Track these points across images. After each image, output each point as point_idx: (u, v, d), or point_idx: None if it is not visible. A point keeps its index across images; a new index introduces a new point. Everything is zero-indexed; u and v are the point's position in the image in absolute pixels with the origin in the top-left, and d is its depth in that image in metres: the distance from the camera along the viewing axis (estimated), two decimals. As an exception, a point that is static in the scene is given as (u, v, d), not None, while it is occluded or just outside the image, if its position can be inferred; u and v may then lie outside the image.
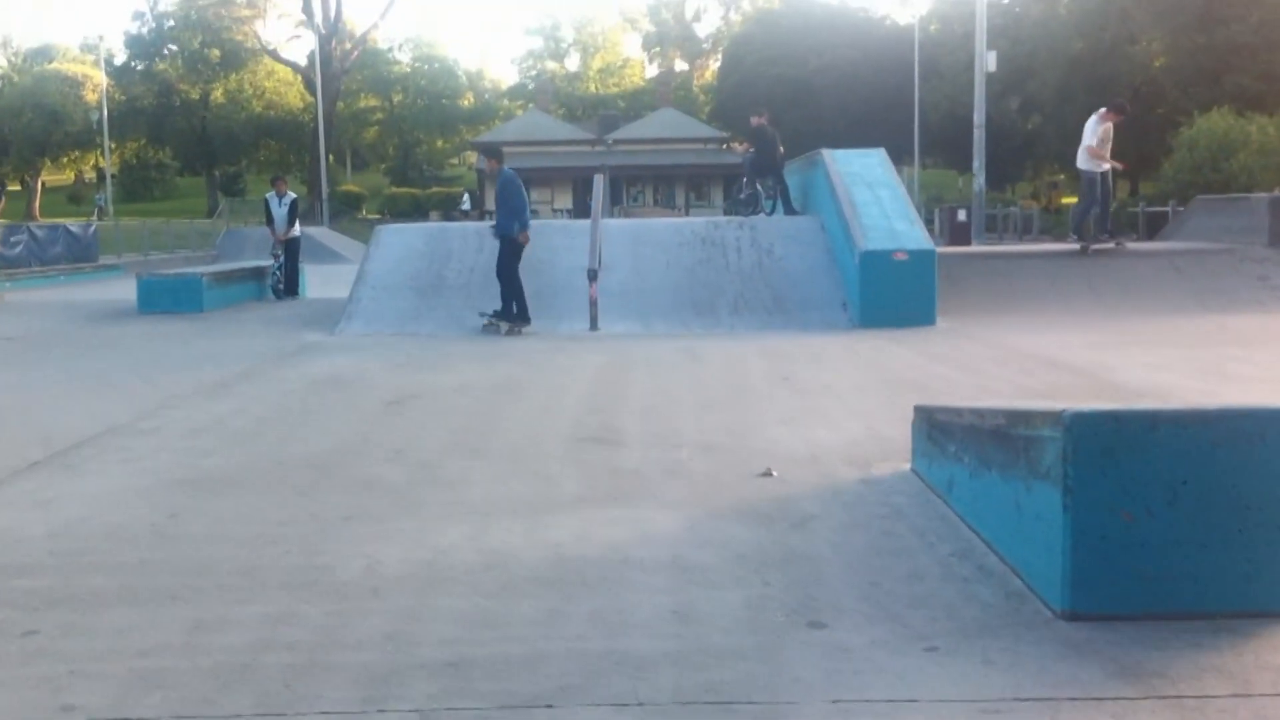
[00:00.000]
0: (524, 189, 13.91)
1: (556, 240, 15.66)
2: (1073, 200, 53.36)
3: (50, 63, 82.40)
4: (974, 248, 23.98)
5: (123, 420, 7.99)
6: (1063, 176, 55.47)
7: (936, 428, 5.31)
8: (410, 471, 6.25)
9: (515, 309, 13.57)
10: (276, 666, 3.49)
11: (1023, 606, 3.88)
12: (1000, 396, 8.29)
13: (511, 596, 4.13)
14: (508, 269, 13.52)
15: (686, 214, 55.57)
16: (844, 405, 8.20)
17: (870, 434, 7.00)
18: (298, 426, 7.83)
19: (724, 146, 70.35)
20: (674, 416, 7.95)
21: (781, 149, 17.95)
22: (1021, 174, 60.88)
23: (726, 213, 21.83)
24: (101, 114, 61.26)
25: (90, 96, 69.27)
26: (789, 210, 17.37)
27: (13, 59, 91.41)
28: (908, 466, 5.91)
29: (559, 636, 3.72)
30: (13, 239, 30.65)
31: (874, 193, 15.16)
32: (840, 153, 16.54)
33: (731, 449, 6.75)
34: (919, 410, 5.73)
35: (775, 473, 5.96)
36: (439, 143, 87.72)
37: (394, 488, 5.89)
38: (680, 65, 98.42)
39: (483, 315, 13.73)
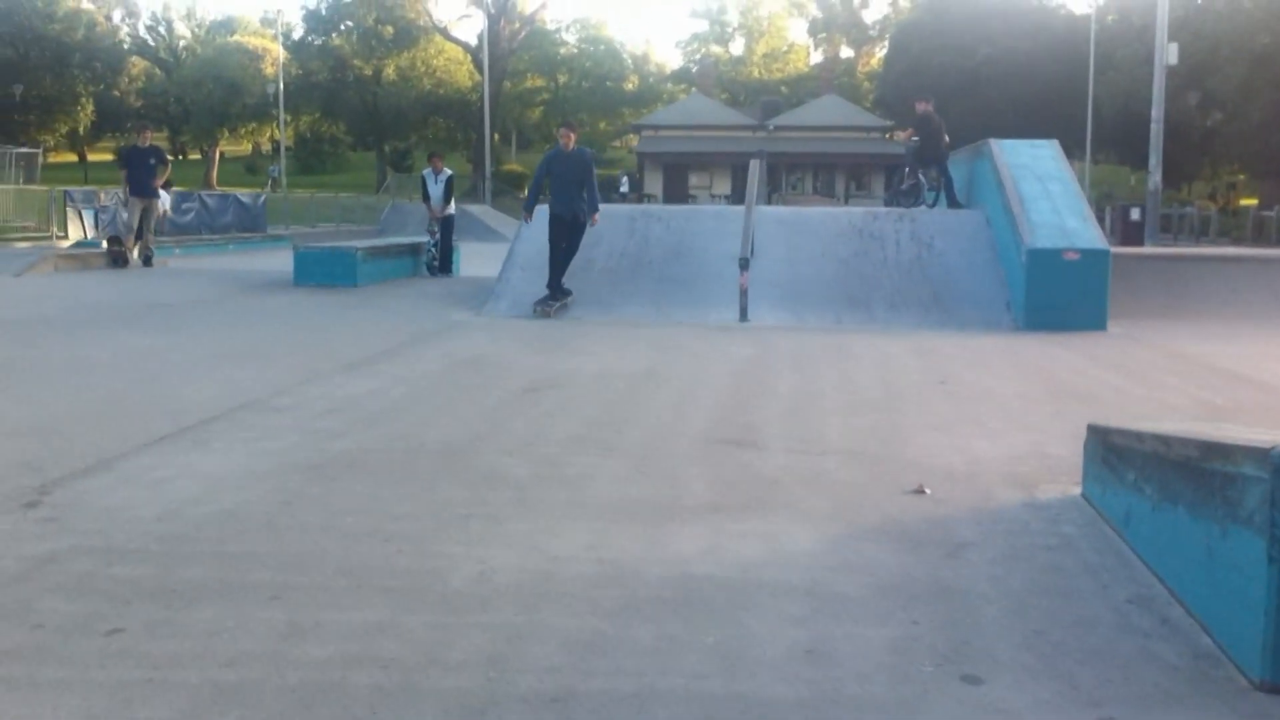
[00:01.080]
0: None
1: (709, 226, 15.29)
2: (1252, 202, 50.79)
3: (231, 35, 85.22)
4: (1148, 249, 22.84)
5: (259, 395, 7.86)
6: (1243, 177, 52.94)
7: (1112, 451, 4.77)
8: (535, 466, 5.94)
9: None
10: (366, 688, 3.18)
11: (1213, 672, 3.36)
12: (1181, 413, 7.62)
13: (628, 618, 3.76)
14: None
15: (845, 204, 54.63)
16: (1006, 415, 7.63)
17: (1034, 449, 6.44)
18: (431, 410, 7.60)
19: (887, 136, 69.05)
20: (820, 418, 7.49)
21: (947, 138, 17.22)
22: (1198, 173, 58.25)
23: (886, 203, 21.14)
24: (278, 87, 62.87)
25: (268, 70, 71.34)
26: (952, 203, 16.65)
27: (196, 30, 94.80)
28: (1077, 491, 5.37)
29: (676, 672, 3.34)
30: (184, 206, 31.52)
31: (1044, 186, 14.39)
32: (1009, 143, 15.76)
33: (880, 458, 6.27)
34: (1093, 430, 5.18)
35: (928, 490, 5.47)
36: (601, 124, 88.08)
37: (517, 483, 5.58)
38: (846, 52, 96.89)
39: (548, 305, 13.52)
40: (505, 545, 4.54)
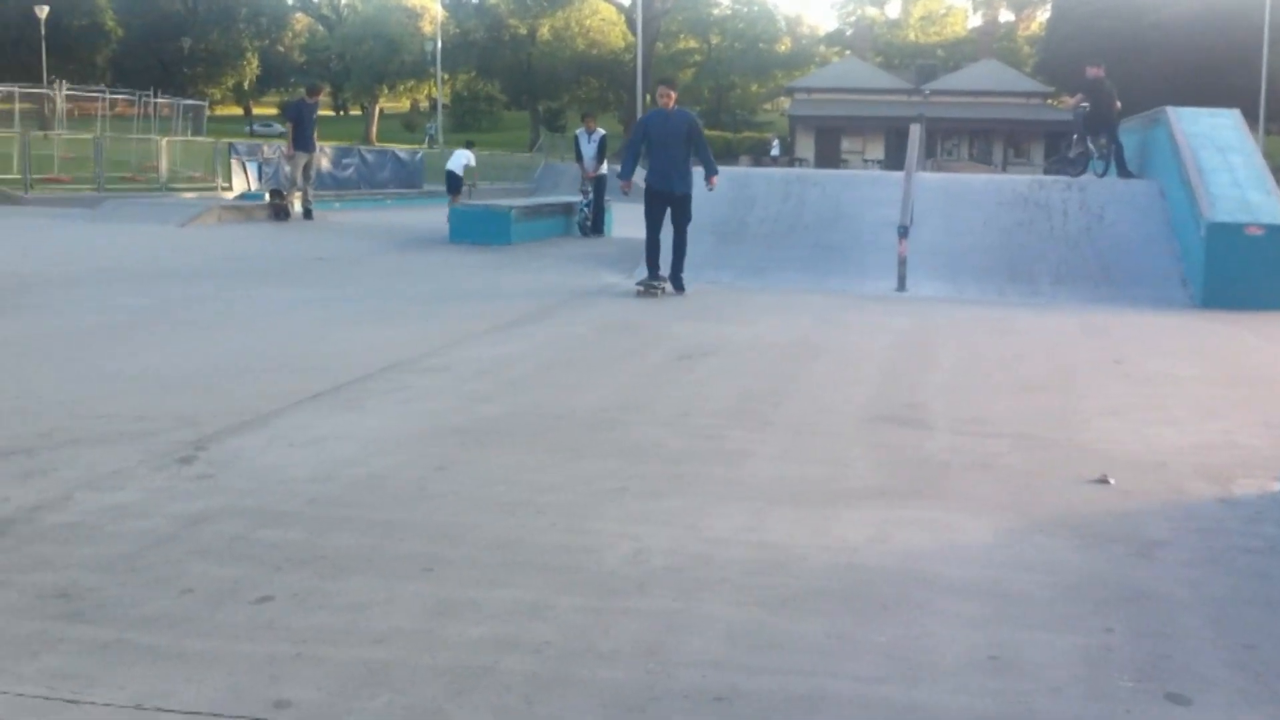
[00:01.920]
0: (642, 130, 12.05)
1: (865, 192, 14.85)
2: None
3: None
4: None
5: (411, 355, 7.81)
6: None
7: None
8: (691, 439, 5.73)
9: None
10: (519, 674, 3.02)
11: None
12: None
13: (794, 611, 3.53)
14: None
15: (1003, 171, 53.12)
16: (1189, 400, 7.16)
17: (1225, 439, 6.00)
18: (584, 375, 7.45)
19: (1048, 101, 66.89)
20: (986, 397, 7.13)
21: (1119, 104, 16.41)
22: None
23: (1048, 171, 20.33)
24: (436, 45, 63.58)
25: (426, 28, 72.33)
26: (1123, 172, 15.87)
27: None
28: (1277, 487, 4.95)
29: (848, 674, 3.10)
30: (344, 161, 32.04)
31: (1224, 158, 13.61)
32: (1187, 111, 14.94)
33: (1055, 443, 5.91)
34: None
35: (1112, 480, 5.11)
36: (753, 87, 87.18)
37: (672, 456, 5.38)
38: (1006, 16, 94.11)
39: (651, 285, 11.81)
40: (661, 523, 4.35)
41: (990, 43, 78.85)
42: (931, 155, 60.33)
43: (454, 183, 24.38)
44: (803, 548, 4.11)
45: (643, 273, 13.56)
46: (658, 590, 3.67)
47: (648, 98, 67.73)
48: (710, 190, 12.37)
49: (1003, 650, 3.29)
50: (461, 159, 25.13)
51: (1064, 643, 3.35)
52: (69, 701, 2.74)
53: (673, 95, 11.89)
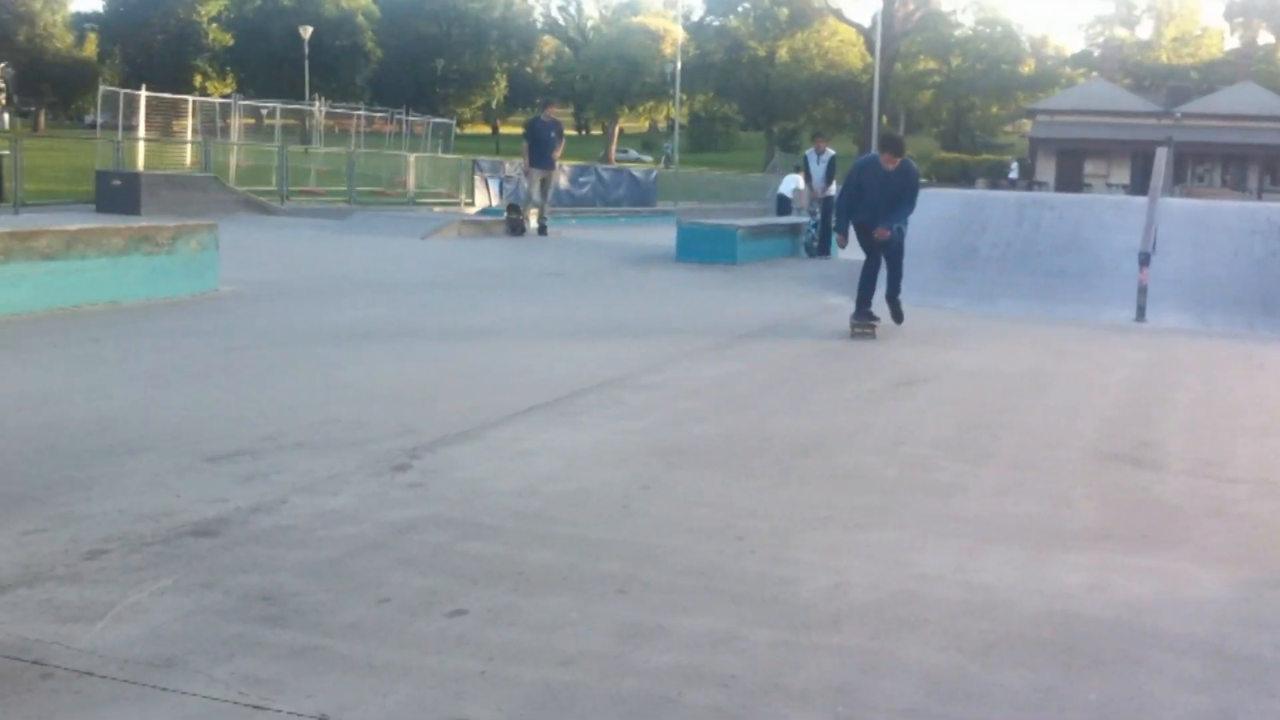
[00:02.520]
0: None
1: (1105, 217, 14.20)
2: None
3: (635, 17, 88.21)
4: None
5: (629, 371, 7.85)
6: None
7: None
8: (902, 468, 5.55)
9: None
10: (702, 709, 2.95)
11: None
12: None
13: (998, 659, 3.35)
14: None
15: (1259, 199, 50.22)
16: None
17: None
18: (797, 399, 7.33)
19: (1311, 126, 63.03)
20: (1227, 438, 6.68)
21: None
22: None
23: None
24: (676, 67, 64.38)
25: (667, 50, 73.44)
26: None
27: (603, 11, 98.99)
28: None
29: (1051, 732, 2.91)
30: (581, 179, 32.73)
31: None
32: None
33: (1302, 492, 5.49)
34: None
35: (1363, 536, 4.70)
36: (994, 109, 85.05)
37: (881, 486, 5.22)
38: (1265, 37, 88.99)
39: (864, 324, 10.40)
40: (864, 556, 4.21)
41: (1248, 65, 74.65)
42: (1181, 181, 57.57)
43: (784, 206, 24.65)
44: (1014, 591, 3.91)
45: (876, 295, 13.32)
46: (855, 627, 3.54)
47: (884, 119, 67.04)
48: (878, 238, 10.48)
49: (1227, 716, 3.04)
50: (791, 183, 25.36)
51: (1297, 714, 3.08)
52: (255, 707, 2.81)
53: (896, 161, 10.31)
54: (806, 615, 3.62)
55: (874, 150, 11.03)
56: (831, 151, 19.91)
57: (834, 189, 19.77)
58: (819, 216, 19.63)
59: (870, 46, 67.75)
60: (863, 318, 10.36)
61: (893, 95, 75.93)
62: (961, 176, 61.56)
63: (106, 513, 4.23)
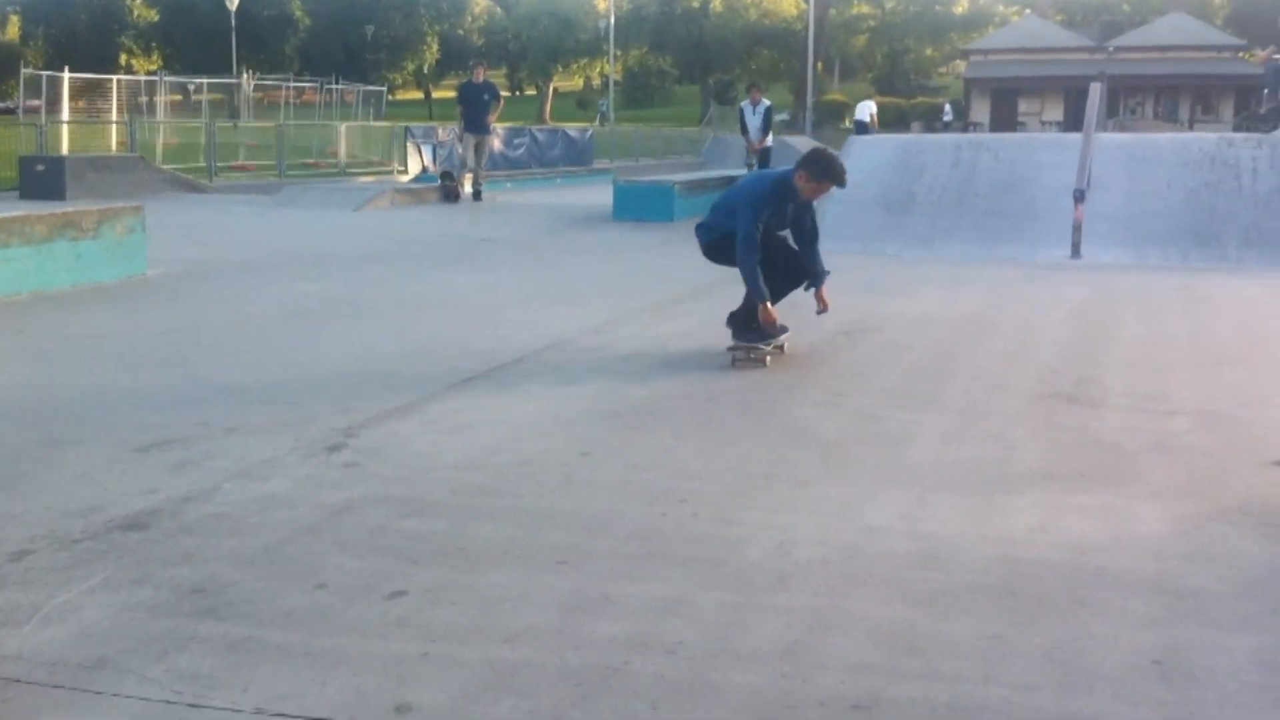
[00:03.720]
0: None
1: (1040, 156, 14.26)
2: None
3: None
4: None
5: (569, 335, 7.78)
6: None
7: None
8: (847, 420, 5.53)
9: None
10: (649, 677, 2.90)
11: None
12: None
13: (946, 609, 3.33)
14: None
15: (1191, 129, 50.73)
16: (1393, 372, 6.63)
17: None
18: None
19: (1239, 55, 63.56)
20: (1166, 372, 6.73)
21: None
22: None
23: (1237, 128, 19.26)
24: (609, 22, 63.92)
25: (600, 5, 72.83)
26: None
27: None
28: None
29: (1000, 681, 2.89)
30: (516, 141, 32.39)
31: None
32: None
33: (1241, 421, 5.53)
34: None
35: (1302, 464, 4.73)
36: (928, 51, 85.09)
37: (826, 440, 5.20)
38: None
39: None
40: (809, 512, 4.18)
41: (1179, -5, 75.26)
42: (1114, 115, 57.92)
43: (861, 129, 26.14)
44: (960, 539, 3.90)
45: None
46: (802, 586, 3.51)
47: (819, 65, 66.94)
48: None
49: (1172, 654, 3.04)
50: (866, 110, 27.67)
51: (1241, 645, 3.09)
52: (191, 706, 2.73)
53: (822, 188, 6.94)
54: (753, 576, 3.58)
55: (786, 170, 6.92)
56: (767, 102, 19.91)
57: (770, 139, 19.77)
58: (756, 168, 19.59)
59: (803, -7, 67.57)
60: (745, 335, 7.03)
61: (827, 41, 75.74)
62: (898, 121, 61.60)
63: (33, 510, 4.11)
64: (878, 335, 7.91)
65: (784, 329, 7.00)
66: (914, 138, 19.16)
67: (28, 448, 4.97)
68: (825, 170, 6.73)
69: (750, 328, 6.99)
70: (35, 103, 31.61)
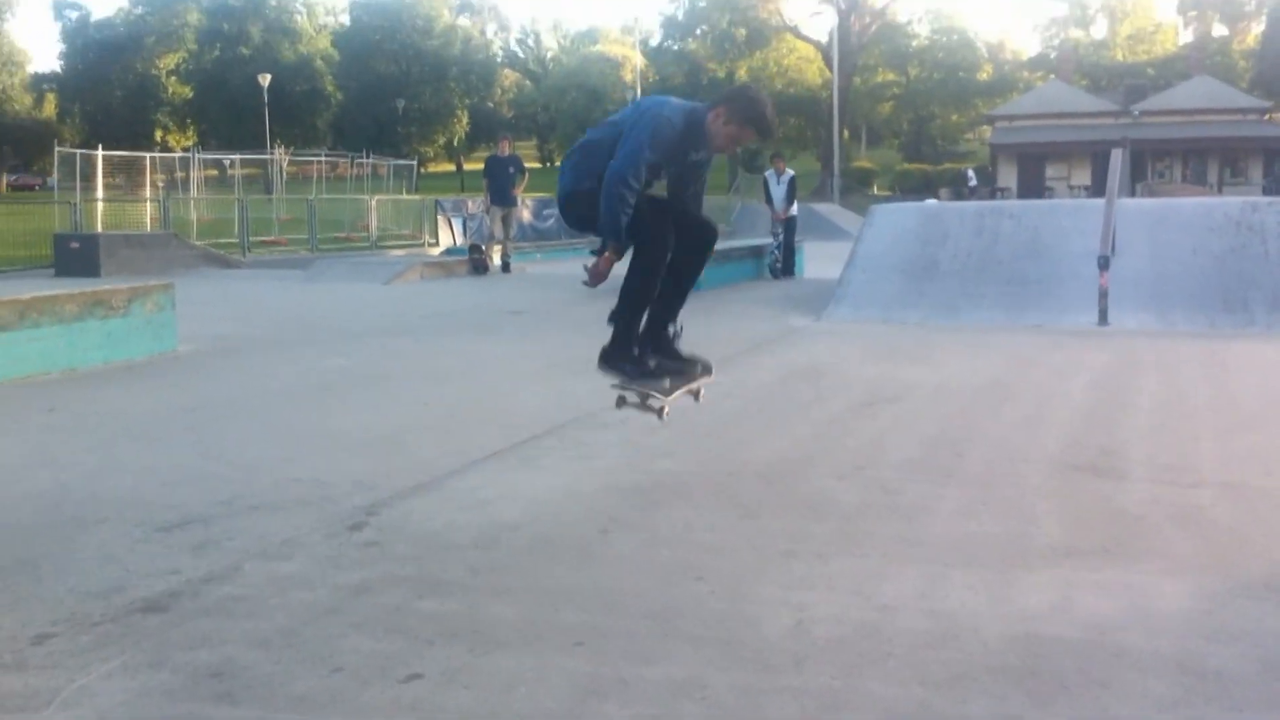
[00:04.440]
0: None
1: (1064, 222, 14.26)
2: None
3: (594, 45, 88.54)
4: None
5: (592, 408, 7.77)
6: None
7: None
8: (865, 492, 5.51)
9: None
10: (659, 761, 2.89)
11: None
12: None
13: (962, 690, 3.30)
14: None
15: (1219, 192, 50.65)
16: None
17: None
18: (762, 426, 7.30)
19: (1265, 118, 63.61)
20: (1191, 441, 6.68)
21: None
22: None
23: (1265, 191, 19.19)
24: (635, 93, 64.69)
25: (627, 76, 73.76)
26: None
27: (561, 41, 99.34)
28: None
29: (1014, 765, 2.87)
30: (545, 212, 32.75)
31: None
32: None
33: (1267, 493, 5.47)
34: None
35: (1327, 536, 4.69)
36: (954, 117, 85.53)
37: (844, 513, 5.18)
38: (1219, 30, 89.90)
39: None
40: (827, 589, 4.16)
41: (1203, 59, 75.40)
42: (1142, 179, 57.98)
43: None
44: (978, 617, 3.87)
45: (833, 314, 13.31)
46: (817, 666, 3.49)
47: (845, 133, 67.38)
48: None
49: (1192, 738, 3.00)
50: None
51: (1263, 729, 3.05)
52: (200, 793, 2.74)
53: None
54: (769, 656, 3.57)
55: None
56: (791, 172, 19.99)
57: (795, 209, 19.87)
58: (782, 237, 19.69)
59: (829, 62, 68.17)
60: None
61: (853, 109, 76.33)
62: (924, 187, 61.78)
63: (55, 593, 4.14)
64: (898, 405, 7.89)
65: (703, 367, 5.65)
66: (936, 205, 19.25)
67: (53, 527, 5.02)
68: (749, 111, 5.13)
69: (653, 358, 5.52)
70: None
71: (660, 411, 5.50)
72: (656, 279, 5.40)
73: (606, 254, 5.07)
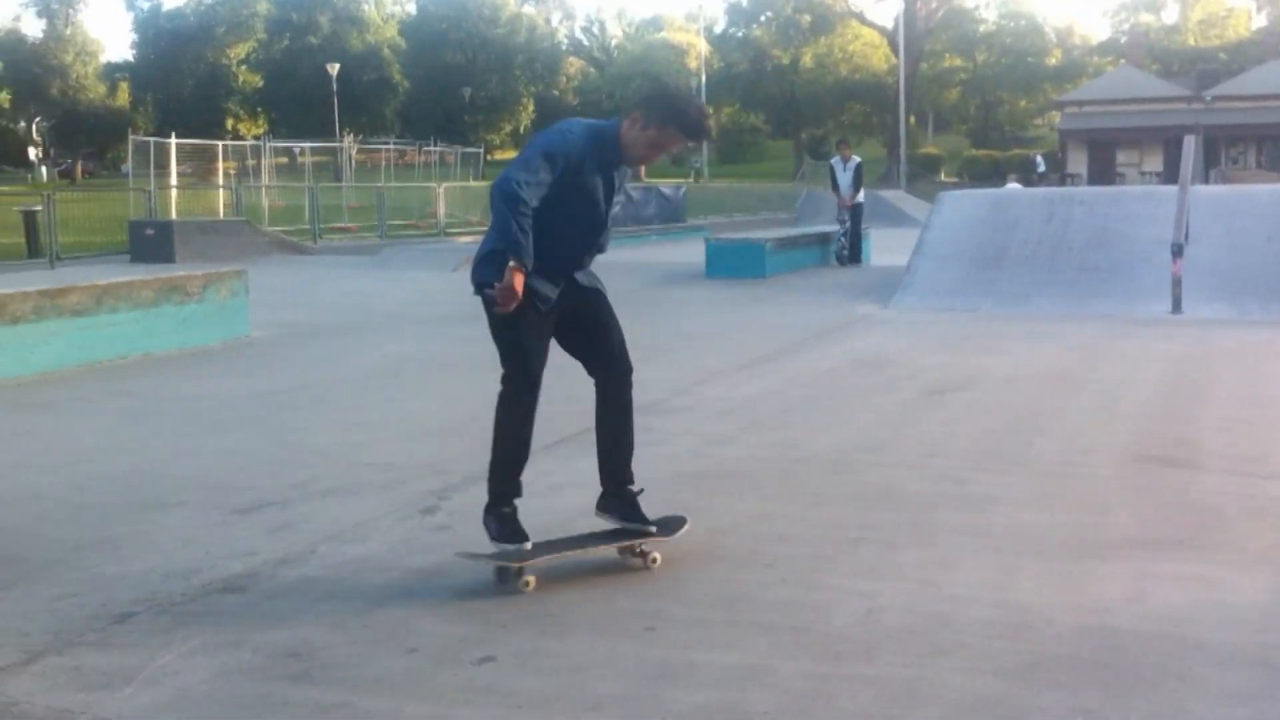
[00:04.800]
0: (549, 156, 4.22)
1: (1135, 209, 14.06)
2: None
3: (658, 33, 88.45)
4: None
5: (659, 395, 7.80)
6: None
7: None
8: (934, 482, 5.49)
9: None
10: (731, 747, 2.90)
11: None
12: None
13: (1036, 681, 3.28)
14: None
15: (1297, 177, 49.53)
16: None
17: None
18: (828, 414, 7.27)
19: (1345, 101, 62.08)
20: (1267, 432, 6.58)
21: None
22: None
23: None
24: (700, 80, 64.59)
25: (691, 63, 73.66)
26: None
27: (626, 29, 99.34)
28: None
29: (1088, 756, 2.85)
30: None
31: None
32: None
33: (1346, 485, 5.38)
34: None
35: None
36: (1021, 103, 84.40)
37: (913, 502, 5.16)
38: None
39: None
40: (896, 578, 4.15)
41: (1276, 43, 73.78)
42: (1215, 165, 56.84)
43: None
44: (1050, 608, 3.84)
45: (899, 301, 13.22)
46: (888, 655, 3.49)
47: (911, 119, 66.81)
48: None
49: (1270, 732, 2.97)
50: None
51: (1344, 725, 3.00)
52: (281, 770, 2.80)
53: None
54: (839, 644, 3.57)
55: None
56: (857, 159, 19.86)
57: (861, 195, 19.74)
58: (849, 224, 19.57)
59: (894, 48, 67.55)
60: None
61: (919, 95, 75.57)
62: (993, 174, 61.08)
63: (137, 573, 4.24)
64: (967, 393, 7.84)
65: (680, 522, 4.48)
66: (1004, 192, 19.01)
67: (131, 510, 5.13)
68: (667, 110, 4.25)
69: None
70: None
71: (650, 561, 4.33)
72: (521, 414, 4.64)
73: (510, 266, 4.09)
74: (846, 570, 4.26)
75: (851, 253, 19.52)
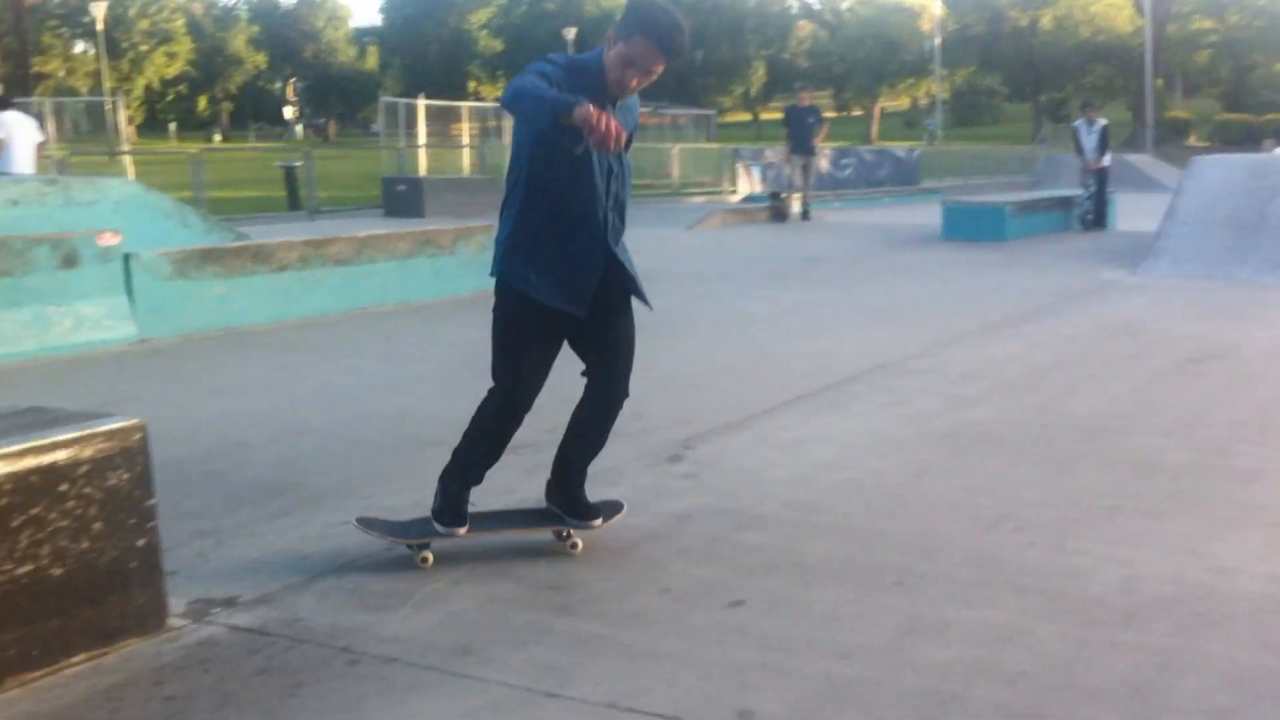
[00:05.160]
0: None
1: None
2: None
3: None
4: None
5: (899, 356, 7.75)
6: None
7: None
8: (1196, 454, 5.28)
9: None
10: (989, 706, 2.89)
11: None
12: None
13: (1308, 656, 3.16)
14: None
15: None
16: None
17: None
18: (1076, 380, 7.07)
19: None
20: None
21: None
22: None
23: None
24: (934, 43, 63.06)
25: (925, 26, 72.04)
26: None
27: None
28: None
29: (1370, 736, 2.73)
30: (842, 161, 32.41)
31: None
32: None
33: None
34: None
35: None
36: (1277, 66, 79.24)
37: (1173, 473, 4.99)
38: None
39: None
40: (1156, 548, 4.04)
41: None
42: None
43: None
44: (1324, 584, 3.68)
45: (1150, 268, 12.70)
46: (1148, 623, 3.40)
47: (1160, 82, 63.55)
48: None
49: None
50: None
51: None
52: (549, 695, 2.94)
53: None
54: (1096, 610, 3.50)
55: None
56: (1103, 121, 19.09)
57: (1108, 159, 18.98)
58: (1094, 188, 18.86)
59: (1140, 8, 64.33)
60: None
61: (1166, 58, 71.82)
62: (1247, 139, 57.59)
63: (405, 505, 4.47)
64: (1228, 363, 7.49)
65: (617, 506, 4.19)
66: (1265, 157, 17.91)
67: (399, 446, 5.43)
68: (638, 16, 3.70)
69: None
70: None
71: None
72: (499, 434, 4.26)
73: (574, 114, 3.34)
74: (1102, 537, 4.16)
75: (1096, 217, 18.82)
